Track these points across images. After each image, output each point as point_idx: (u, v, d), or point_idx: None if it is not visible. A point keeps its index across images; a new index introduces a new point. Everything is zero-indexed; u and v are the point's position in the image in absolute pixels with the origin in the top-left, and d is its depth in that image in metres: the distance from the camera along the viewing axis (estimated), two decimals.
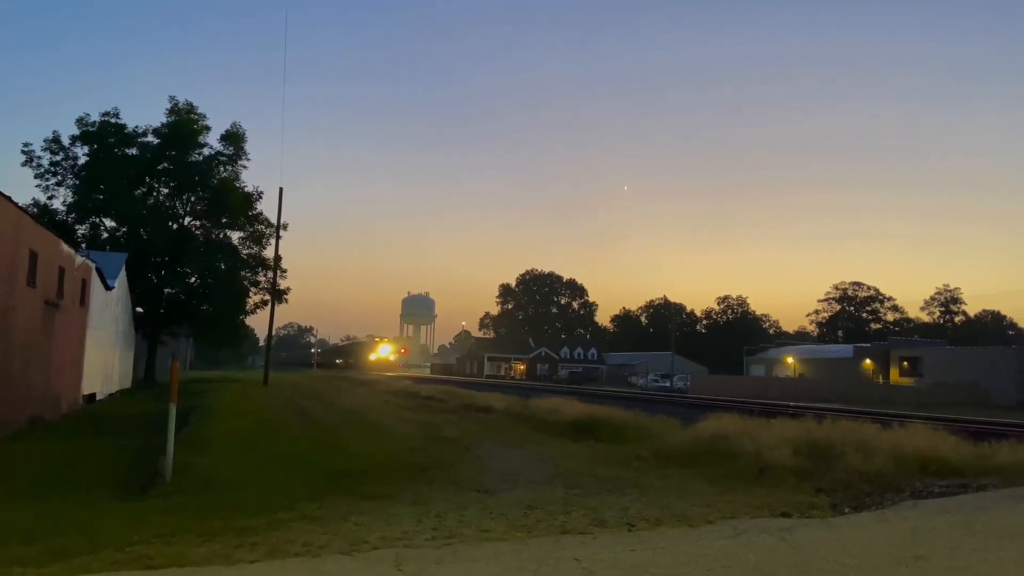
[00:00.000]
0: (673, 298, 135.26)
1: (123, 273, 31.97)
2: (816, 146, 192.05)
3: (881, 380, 65.57)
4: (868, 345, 75.59)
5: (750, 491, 9.01)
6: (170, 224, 40.01)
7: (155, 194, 40.75)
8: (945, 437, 11.19)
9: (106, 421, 19.04)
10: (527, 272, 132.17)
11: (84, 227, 39.12)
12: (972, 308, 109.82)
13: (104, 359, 28.36)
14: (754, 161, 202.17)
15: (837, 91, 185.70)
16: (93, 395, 26.11)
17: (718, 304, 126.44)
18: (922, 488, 8.57)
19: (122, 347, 34.15)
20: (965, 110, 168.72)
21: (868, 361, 70.10)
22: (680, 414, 19.66)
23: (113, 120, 38.93)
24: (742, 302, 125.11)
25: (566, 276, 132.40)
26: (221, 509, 7.13)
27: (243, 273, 42.14)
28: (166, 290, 40.60)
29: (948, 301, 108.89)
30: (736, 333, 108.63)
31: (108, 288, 27.55)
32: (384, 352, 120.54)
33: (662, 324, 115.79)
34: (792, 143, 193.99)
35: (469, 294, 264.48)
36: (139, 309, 39.42)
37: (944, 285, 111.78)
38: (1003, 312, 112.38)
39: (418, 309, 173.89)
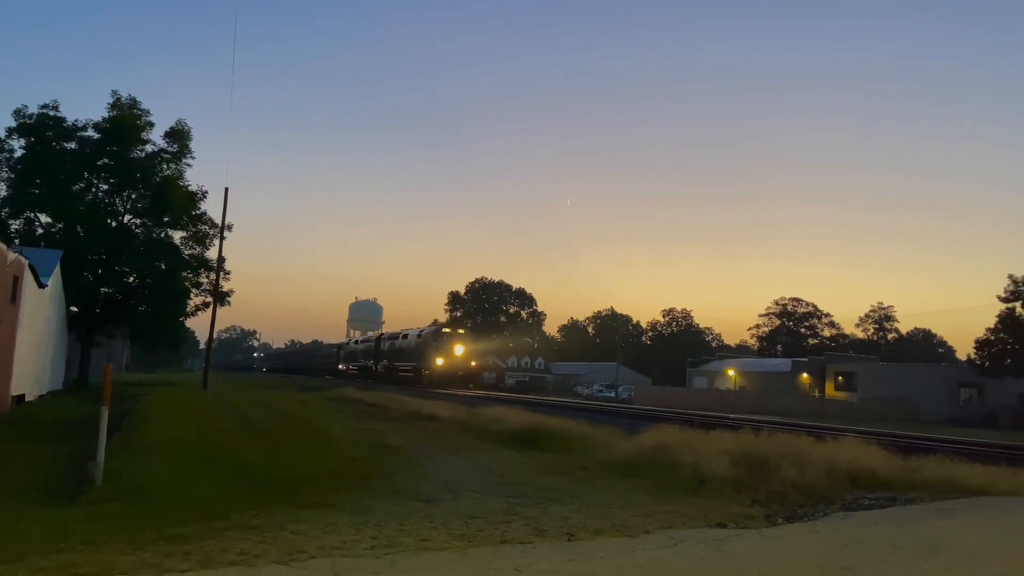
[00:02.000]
0: (620, 310, 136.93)
1: (58, 271, 30.88)
2: (760, 163, 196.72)
3: (817, 394, 67.41)
4: (805, 360, 77.66)
5: (689, 501, 9.18)
6: (109, 221, 38.77)
7: (94, 190, 39.45)
8: (875, 451, 11.58)
9: (35, 424, 18.30)
10: (477, 280, 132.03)
11: (18, 222, 37.61)
12: (904, 326, 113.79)
13: (35, 359, 27.28)
14: (700, 177, 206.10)
15: (778, 108, 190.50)
16: (22, 397, 25.08)
17: (663, 316, 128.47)
18: (852, 501, 8.86)
19: (55, 347, 32.95)
20: (903, 130, 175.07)
21: (805, 375, 72.02)
22: (624, 424, 19.89)
23: (52, 113, 37.57)
24: (686, 315, 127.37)
25: (515, 285, 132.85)
26: (153, 517, 6.94)
27: (185, 274, 41.04)
28: (103, 289, 39.27)
29: (882, 319, 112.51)
30: (680, 345, 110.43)
31: (41, 286, 26.54)
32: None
33: (609, 335, 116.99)
34: (737, 160, 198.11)
35: (417, 301, 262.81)
36: (73, 308, 38.08)
37: (879, 303, 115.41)
38: (933, 330, 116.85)
39: (365, 315, 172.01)
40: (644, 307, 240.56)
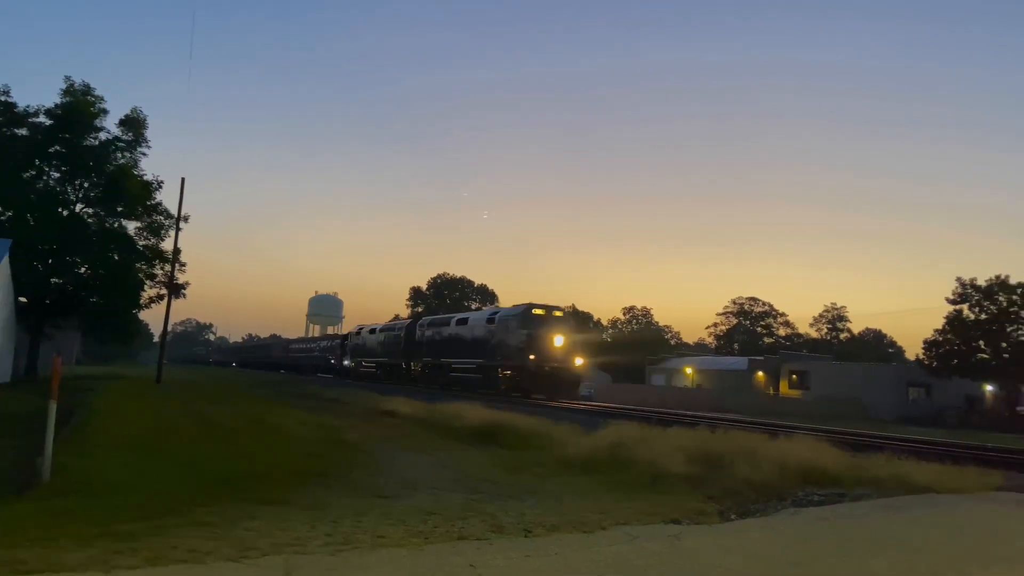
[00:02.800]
0: (581, 307, 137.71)
1: (6, 260, 30.05)
2: (720, 163, 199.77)
3: (772, 392, 68.72)
4: (761, 358, 79.04)
5: (645, 498, 9.28)
6: (60, 210, 37.71)
7: (45, 178, 38.32)
8: (827, 448, 11.83)
9: None
10: (439, 276, 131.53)
11: None
12: (856, 326, 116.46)
13: None
14: (660, 177, 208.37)
15: (736, 109, 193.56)
16: None
17: (624, 314, 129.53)
18: (803, 497, 9.05)
19: (2, 339, 32.04)
20: (858, 132, 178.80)
21: (761, 373, 73.31)
22: (584, 421, 20.00)
23: (2, 98, 36.48)
24: (647, 313, 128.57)
25: (478, 281, 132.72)
26: (102, 513, 6.79)
27: (138, 265, 40.18)
28: (53, 280, 38.24)
29: (835, 319, 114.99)
30: (640, 343, 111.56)
31: None
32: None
33: None
34: (696, 161, 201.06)
35: (379, 296, 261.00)
36: (22, 299, 37.00)
37: (832, 303, 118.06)
38: (884, 331, 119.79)
39: (325, 309, 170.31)
40: (605, 305, 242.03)
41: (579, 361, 34.72)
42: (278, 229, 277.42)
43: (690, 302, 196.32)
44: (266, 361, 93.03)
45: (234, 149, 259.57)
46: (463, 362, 38.10)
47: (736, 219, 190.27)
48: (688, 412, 29.06)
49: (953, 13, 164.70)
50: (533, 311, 34.64)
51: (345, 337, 62.83)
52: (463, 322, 40.12)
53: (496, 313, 38.03)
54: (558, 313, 36.11)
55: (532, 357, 32.69)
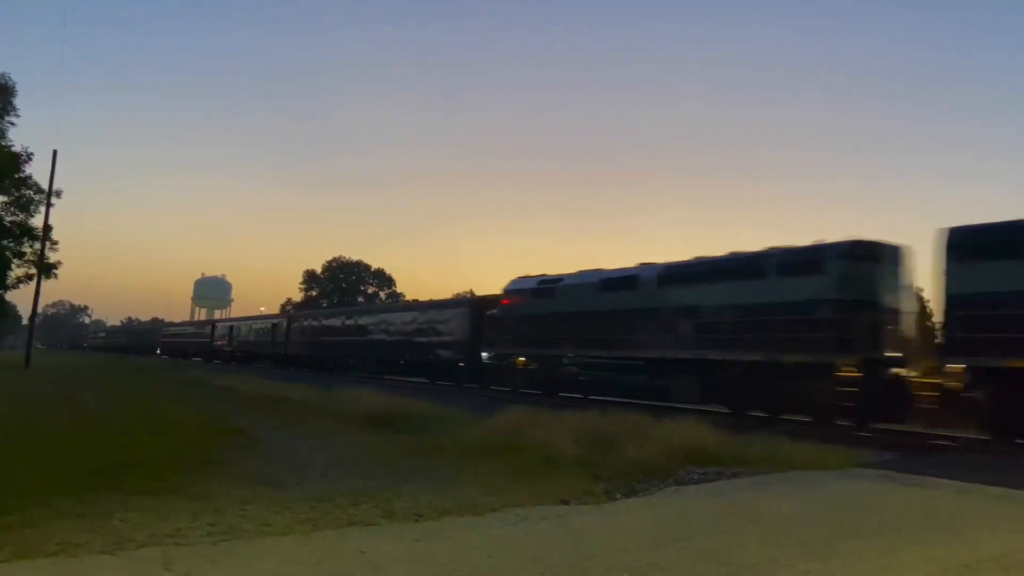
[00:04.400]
0: (480, 290, 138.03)
1: None
2: (622, 140, 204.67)
3: None
4: None
5: (537, 480, 9.47)
6: None
7: None
8: (710, 429, 12.40)
9: None
10: (334, 259, 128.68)
11: None
12: None
13: None
14: (560, 154, 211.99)
15: (634, 82, 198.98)
16: None
17: None
18: (685, 476, 9.47)
19: None
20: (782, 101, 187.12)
21: None
22: (482, 406, 20.16)
23: None
24: None
25: (375, 265, 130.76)
26: None
27: (5, 243, 37.38)
28: None
29: None
30: None
31: None
32: None
33: None
34: (597, 137, 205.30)
35: (271, 279, 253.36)
36: None
37: None
38: None
39: (212, 292, 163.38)
40: (503, 286, 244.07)
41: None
42: (160, 207, 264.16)
43: None
44: (148, 346, 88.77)
45: (110, 119, 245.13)
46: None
47: (637, 196, 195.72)
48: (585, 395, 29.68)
49: None
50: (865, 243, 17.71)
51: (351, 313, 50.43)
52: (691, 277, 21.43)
53: (784, 252, 19.13)
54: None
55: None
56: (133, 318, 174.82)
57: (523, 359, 28.02)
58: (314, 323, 51.58)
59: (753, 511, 7.37)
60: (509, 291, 29.69)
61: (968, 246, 14.60)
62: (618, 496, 8.52)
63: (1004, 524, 6.99)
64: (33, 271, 36.38)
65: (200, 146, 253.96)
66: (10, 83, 36.69)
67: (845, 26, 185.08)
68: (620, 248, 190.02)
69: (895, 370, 16.91)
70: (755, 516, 7.14)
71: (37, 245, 36.16)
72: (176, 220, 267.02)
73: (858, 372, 16.59)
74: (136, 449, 10.47)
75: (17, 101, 37.09)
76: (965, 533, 6.62)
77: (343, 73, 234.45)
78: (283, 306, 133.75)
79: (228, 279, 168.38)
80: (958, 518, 7.32)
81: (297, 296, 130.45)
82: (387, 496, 7.97)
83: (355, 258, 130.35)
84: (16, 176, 37.14)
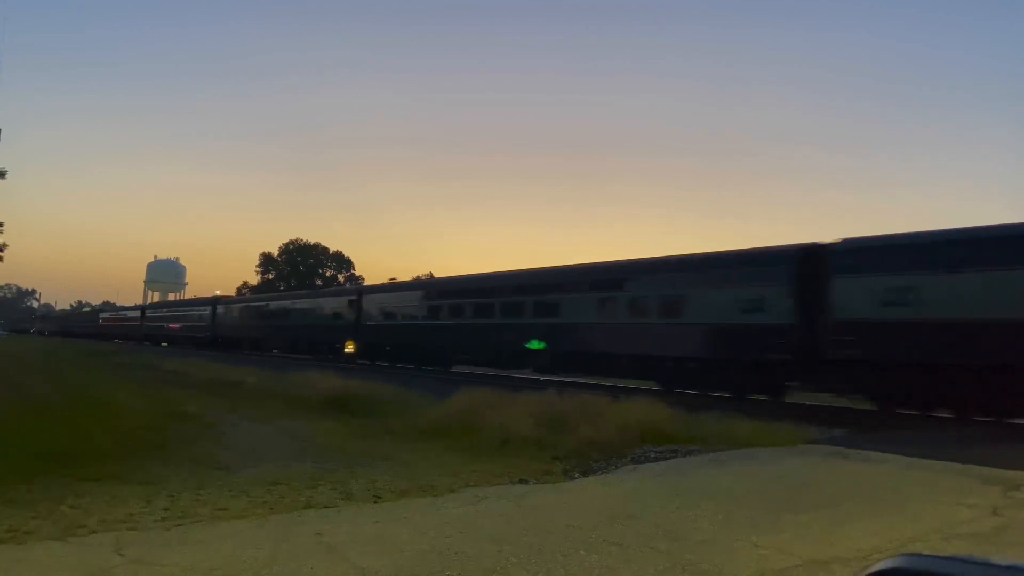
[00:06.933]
0: (439, 273, 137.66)
1: None
2: (587, 125, 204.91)
3: None
4: None
5: (494, 460, 9.54)
6: None
7: None
8: (664, 409, 12.59)
9: None
10: (291, 242, 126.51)
11: None
12: None
13: None
14: (520, 141, 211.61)
15: (597, 68, 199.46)
16: None
17: None
18: (641, 454, 9.62)
19: None
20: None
21: None
22: (437, 388, 20.13)
23: None
24: None
25: (333, 248, 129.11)
26: None
27: None
28: None
29: None
30: None
31: None
32: None
33: None
34: (561, 123, 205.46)
35: (226, 262, 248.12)
36: None
37: None
38: None
39: (165, 276, 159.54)
40: (462, 270, 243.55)
41: None
42: (114, 191, 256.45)
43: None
44: (90, 331, 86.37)
45: (60, 95, 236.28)
46: None
47: (603, 184, 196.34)
48: (540, 376, 29.84)
49: None
50: None
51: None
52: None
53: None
54: None
55: None
56: (83, 302, 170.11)
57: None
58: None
59: (707, 488, 7.53)
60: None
61: None
62: (576, 475, 8.62)
63: (946, 497, 7.26)
64: None
65: (155, 128, 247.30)
66: None
67: (845, 26, 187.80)
68: (583, 239, 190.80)
69: None
70: (709, 492, 7.30)
71: None
72: (130, 203, 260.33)
73: None
74: (85, 435, 10.24)
75: None
76: (909, 506, 6.86)
77: (307, 55, 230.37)
78: (239, 289, 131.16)
79: (183, 262, 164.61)
80: (902, 492, 7.58)
81: (254, 280, 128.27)
82: (344, 478, 7.94)
83: (313, 241, 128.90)
84: None
